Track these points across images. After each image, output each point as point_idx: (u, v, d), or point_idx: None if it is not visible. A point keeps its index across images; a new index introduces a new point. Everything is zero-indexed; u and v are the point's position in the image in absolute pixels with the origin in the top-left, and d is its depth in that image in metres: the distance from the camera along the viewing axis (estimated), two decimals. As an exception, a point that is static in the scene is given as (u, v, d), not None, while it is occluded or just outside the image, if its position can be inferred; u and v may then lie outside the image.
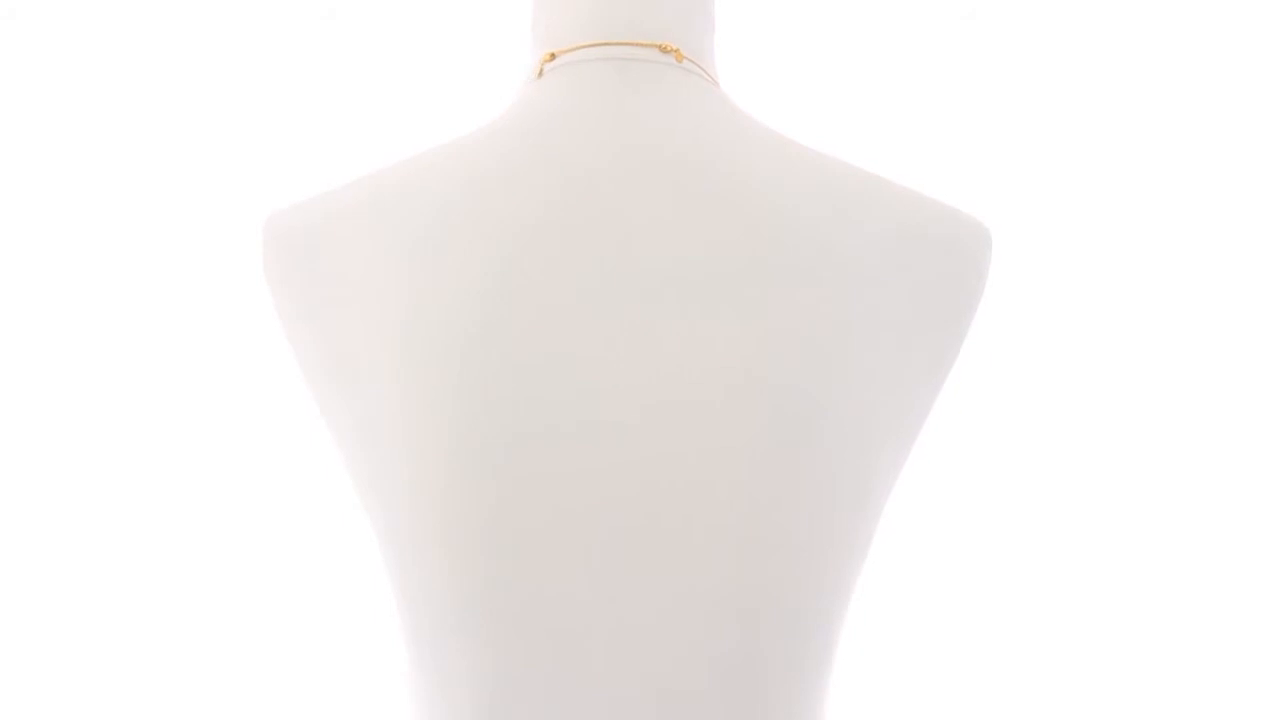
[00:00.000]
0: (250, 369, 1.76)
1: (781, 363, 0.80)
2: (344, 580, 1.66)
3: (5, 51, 1.75)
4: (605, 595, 0.78)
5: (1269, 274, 1.72)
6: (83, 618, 1.75)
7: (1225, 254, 1.73)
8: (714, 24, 0.97)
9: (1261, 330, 1.72)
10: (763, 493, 0.79)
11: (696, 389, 0.79)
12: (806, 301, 0.82)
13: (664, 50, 0.91)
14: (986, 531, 1.73)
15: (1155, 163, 1.73)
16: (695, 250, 0.82)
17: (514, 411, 0.78)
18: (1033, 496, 1.73)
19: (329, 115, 1.77)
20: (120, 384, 1.77)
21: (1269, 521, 1.71)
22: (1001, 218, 1.73)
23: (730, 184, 0.85)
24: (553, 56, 0.91)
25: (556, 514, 0.78)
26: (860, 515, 0.84)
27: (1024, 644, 1.71)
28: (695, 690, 0.79)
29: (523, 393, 0.78)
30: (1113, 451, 1.73)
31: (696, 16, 0.95)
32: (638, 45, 0.91)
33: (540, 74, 0.91)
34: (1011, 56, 1.72)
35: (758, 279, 0.82)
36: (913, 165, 1.70)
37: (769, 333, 0.81)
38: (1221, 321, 1.73)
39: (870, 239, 0.87)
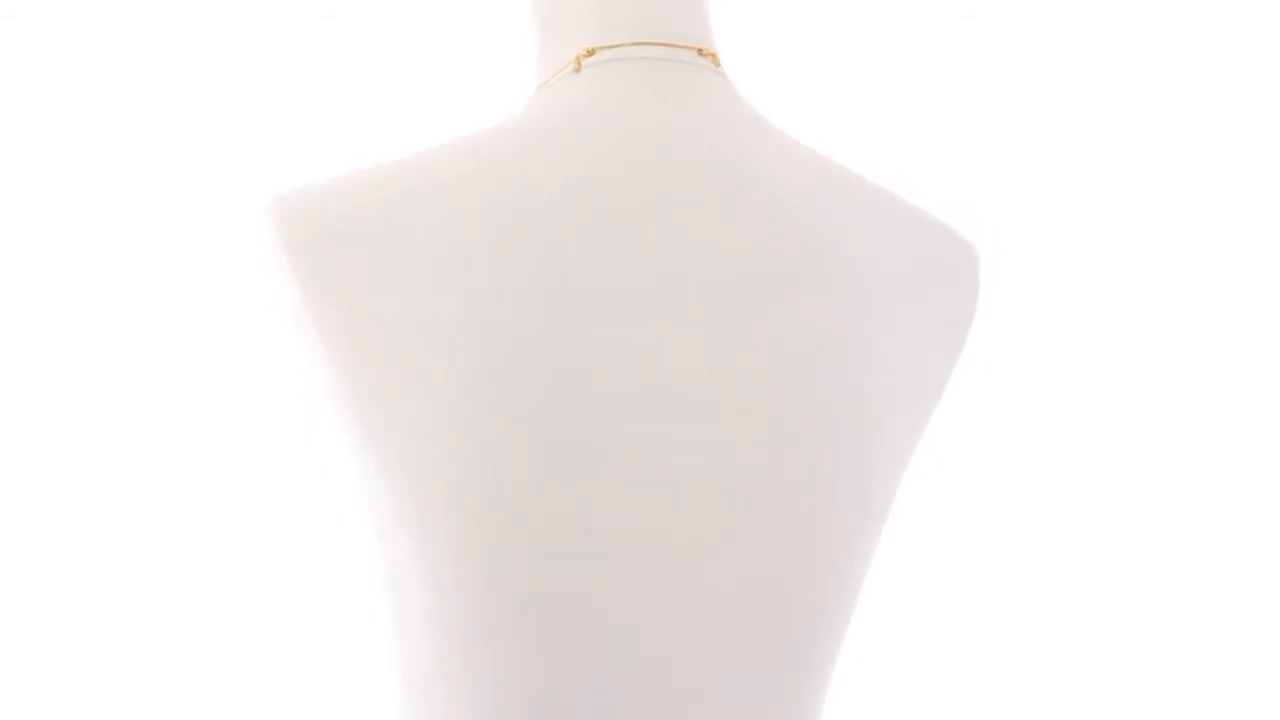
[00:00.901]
0: (244, 368, 1.76)
1: (809, 365, 0.83)
2: (339, 581, 1.66)
3: (5, 51, 1.75)
4: (651, 593, 0.80)
5: (1268, 274, 1.72)
6: (80, 618, 1.75)
7: (1224, 255, 1.73)
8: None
9: (1261, 330, 1.72)
10: (789, 492, 0.82)
11: (735, 390, 0.81)
12: (834, 304, 0.85)
13: (701, 54, 0.90)
14: (986, 534, 1.73)
15: (1155, 162, 1.73)
16: (734, 254, 0.84)
17: (568, 412, 0.79)
18: (1032, 499, 1.73)
19: (329, 115, 1.77)
20: (117, 383, 1.77)
21: (1269, 521, 1.71)
22: (1001, 217, 1.73)
23: (762, 193, 0.86)
24: (591, 52, 0.88)
25: (609, 514, 0.79)
26: (866, 513, 0.86)
27: (1023, 645, 1.71)
28: (725, 683, 0.81)
29: (575, 396, 0.79)
30: (1112, 453, 1.73)
31: (708, 17, 0.95)
32: (678, 47, 0.89)
33: (578, 68, 0.89)
34: (1011, 56, 1.72)
35: (786, 283, 0.84)
36: (913, 164, 1.70)
37: (800, 336, 0.83)
38: (1221, 322, 1.73)
39: (877, 247, 0.89)
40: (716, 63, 0.91)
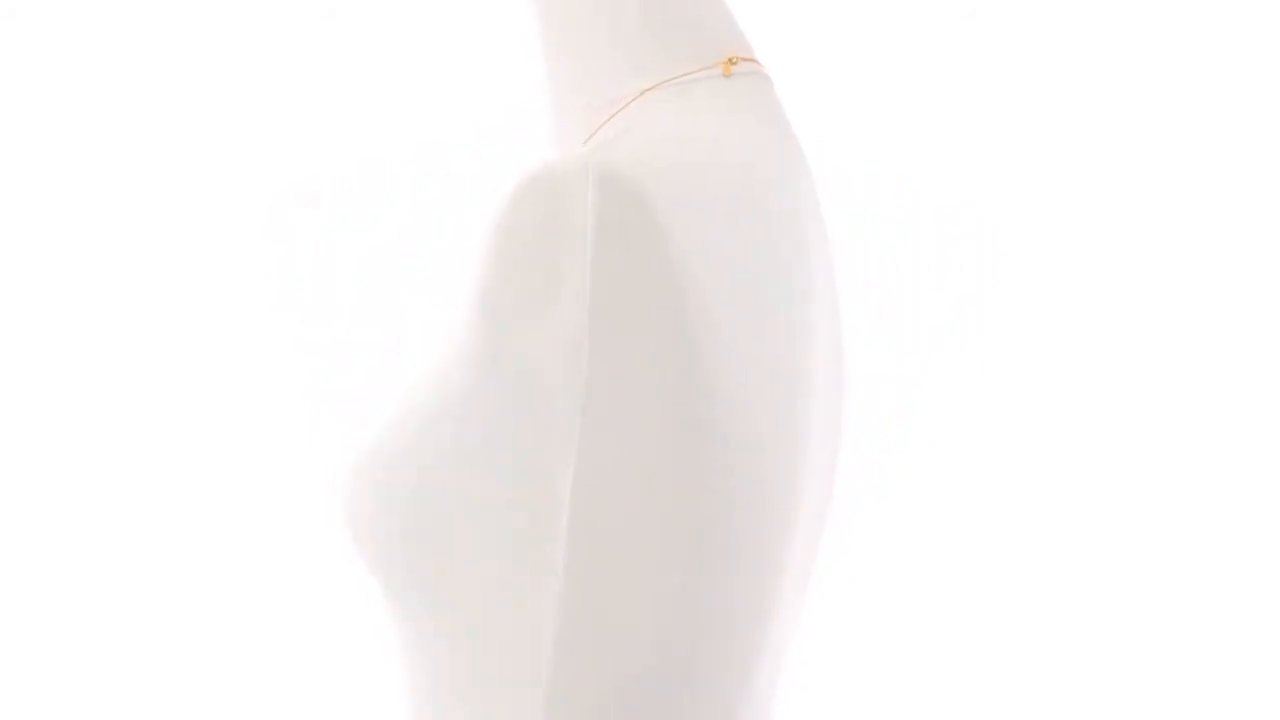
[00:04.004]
0: (243, 367, 1.77)
1: (852, 371, 0.91)
2: (339, 583, 1.66)
3: (5, 51, 1.75)
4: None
5: (1269, 274, 1.72)
6: (80, 618, 1.75)
7: (1224, 254, 1.73)
8: None
9: (1260, 330, 1.72)
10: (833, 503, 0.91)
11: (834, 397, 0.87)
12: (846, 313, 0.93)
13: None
14: (983, 534, 1.73)
15: (1155, 162, 1.73)
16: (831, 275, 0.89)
17: (807, 430, 0.82)
18: (1030, 499, 1.73)
19: (329, 114, 1.77)
20: (116, 383, 1.77)
21: (1269, 521, 1.71)
22: (1000, 217, 1.73)
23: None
24: (735, 60, 0.87)
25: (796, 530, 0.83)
26: None
27: (1020, 645, 1.71)
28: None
29: (810, 412, 0.82)
30: (1111, 453, 1.73)
31: None
32: (764, 68, 0.91)
33: (729, 74, 0.87)
34: (1011, 56, 1.72)
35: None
36: (912, 164, 1.71)
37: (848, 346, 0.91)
38: (1220, 322, 1.73)
39: None
40: None
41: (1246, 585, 1.70)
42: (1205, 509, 1.71)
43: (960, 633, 1.71)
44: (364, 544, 0.80)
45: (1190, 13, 1.71)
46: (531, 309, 0.75)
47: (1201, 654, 1.69)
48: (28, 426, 1.76)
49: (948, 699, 1.70)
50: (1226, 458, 1.72)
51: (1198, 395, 1.73)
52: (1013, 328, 1.73)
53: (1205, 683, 1.68)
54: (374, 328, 1.74)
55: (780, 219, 0.80)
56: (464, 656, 0.79)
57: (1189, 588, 1.71)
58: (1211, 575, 1.70)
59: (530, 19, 0.91)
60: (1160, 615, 1.71)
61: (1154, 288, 1.74)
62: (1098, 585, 1.72)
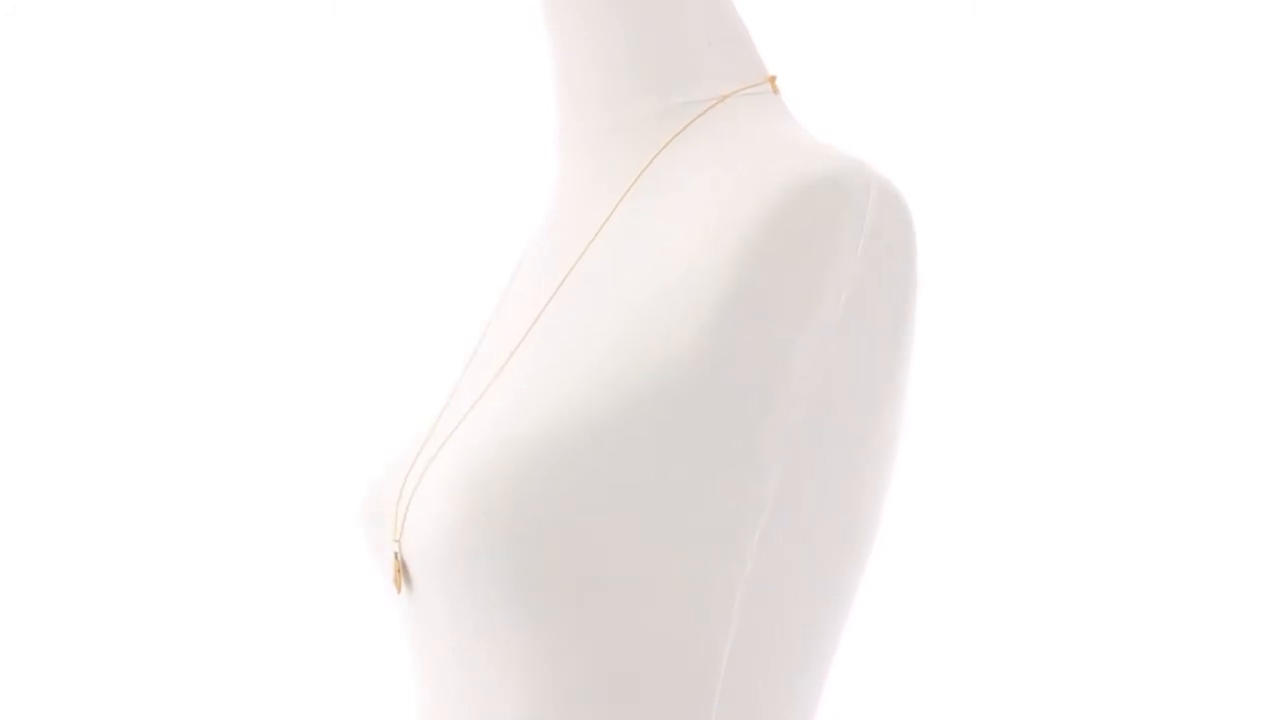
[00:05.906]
0: (244, 368, 1.77)
1: None
2: (334, 582, 1.66)
3: (5, 51, 1.75)
4: None
5: (1268, 274, 1.72)
6: (80, 618, 1.75)
7: (1225, 254, 1.73)
8: None
9: (1260, 330, 1.72)
10: None
11: None
12: None
13: None
14: (981, 533, 1.73)
15: (1156, 160, 1.73)
16: None
17: None
18: (1028, 498, 1.73)
19: (329, 113, 1.77)
20: (117, 384, 1.78)
21: (1269, 521, 1.71)
22: (1000, 216, 1.73)
23: None
24: (774, 78, 0.89)
25: None
26: None
27: (1019, 646, 1.71)
28: None
29: None
30: (1110, 453, 1.73)
31: None
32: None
33: (776, 91, 0.89)
34: (1012, 54, 1.72)
35: None
36: (912, 162, 1.70)
37: None
38: (1220, 322, 1.73)
39: None
40: None
41: (1247, 585, 1.70)
42: (1206, 510, 1.71)
43: (958, 632, 1.72)
44: (506, 539, 0.73)
45: (1191, 10, 1.71)
46: (791, 310, 0.75)
47: (1202, 654, 1.69)
48: (32, 428, 1.77)
49: (946, 699, 1.70)
50: (1228, 458, 1.72)
51: (1199, 395, 1.73)
52: (1012, 328, 1.73)
53: (1205, 683, 1.68)
54: (374, 328, 1.75)
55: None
56: (626, 656, 0.75)
57: (1189, 588, 1.71)
58: (1212, 575, 1.70)
59: (551, 30, 0.89)
60: (1159, 615, 1.71)
61: (1156, 287, 1.74)
62: (1096, 586, 1.72)
